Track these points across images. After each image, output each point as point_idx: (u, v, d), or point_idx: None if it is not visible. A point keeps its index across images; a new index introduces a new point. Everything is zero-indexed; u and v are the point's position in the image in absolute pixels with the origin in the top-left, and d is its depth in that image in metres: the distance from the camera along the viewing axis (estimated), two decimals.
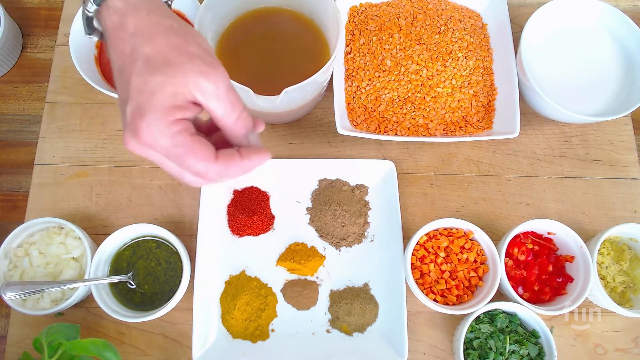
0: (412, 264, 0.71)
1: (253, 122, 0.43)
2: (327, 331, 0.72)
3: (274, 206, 0.78)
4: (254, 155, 0.41)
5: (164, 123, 0.37)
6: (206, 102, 0.38)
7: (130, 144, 0.38)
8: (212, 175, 0.40)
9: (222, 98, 0.39)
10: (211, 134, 0.45)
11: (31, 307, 0.68)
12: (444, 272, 0.70)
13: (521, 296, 0.69)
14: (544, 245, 0.73)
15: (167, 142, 0.38)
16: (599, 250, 0.71)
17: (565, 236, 0.72)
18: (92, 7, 0.42)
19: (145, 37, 0.38)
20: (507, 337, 0.67)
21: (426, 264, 0.71)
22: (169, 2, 0.53)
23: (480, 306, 0.67)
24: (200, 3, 0.70)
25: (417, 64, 0.78)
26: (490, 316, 0.69)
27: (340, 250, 0.76)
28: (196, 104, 0.39)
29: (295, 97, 0.70)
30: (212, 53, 0.40)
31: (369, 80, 0.79)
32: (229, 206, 0.77)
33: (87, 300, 0.73)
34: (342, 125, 0.75)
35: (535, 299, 0.71)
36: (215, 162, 0.39)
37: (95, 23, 0.45)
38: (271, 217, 0.77)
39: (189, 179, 0.41)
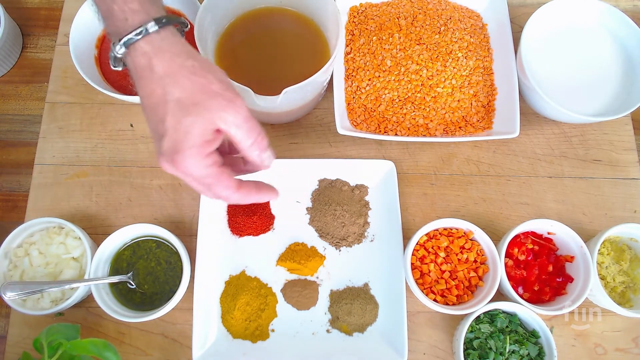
0: (412, 264, 0.71)
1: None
2: (327, 331, 0.72)
3: (274, 206, 0.78)
4: (269, 192, 0.53)
5: (199, 157, 0.45)
6: (227, 129, 0.45)
7: (167, 168, 0.46)
8: (231, 200, 0.49)
9: (241, 126, 0.46)
10: (231, 153, 0.55)
11: (31, 307, 0.68)
12: (444, 272, 0.70)
13: (521, 296, 0.69)
14: (544, 245, 0.73)
15: (199, 173, 0.46)
16: (599, 250, 0.71)
17: (565, 236, 0.72)
18: (120, 50, 0.46)
19: (173, 80, 0.45)
20: (507, 337, 0.67)
21: (426, 264, 0.71)
22: (183, 30, 0.56)
23: (480, 306, 0.67)
24: (200, 3, 0.70)
25: (417, 64, 0.78)
26: (490, 316, 0.69)
27: (340, 250, 0.76)
28: (220, 130, 0.46)
29: (295, 97, 0.70)
30: (231, 87, 0.47)
31: (369, 80, 0.79)
32: (229, 206, 0.77)
33: (87, 300, 0.73)
34: (342, 125, 0.75)
35: (535, 299, 0.71)
36: (236, 192, 0.48)
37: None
38: (271, 217, 0.77)
39: (211, 196, 0.49)
